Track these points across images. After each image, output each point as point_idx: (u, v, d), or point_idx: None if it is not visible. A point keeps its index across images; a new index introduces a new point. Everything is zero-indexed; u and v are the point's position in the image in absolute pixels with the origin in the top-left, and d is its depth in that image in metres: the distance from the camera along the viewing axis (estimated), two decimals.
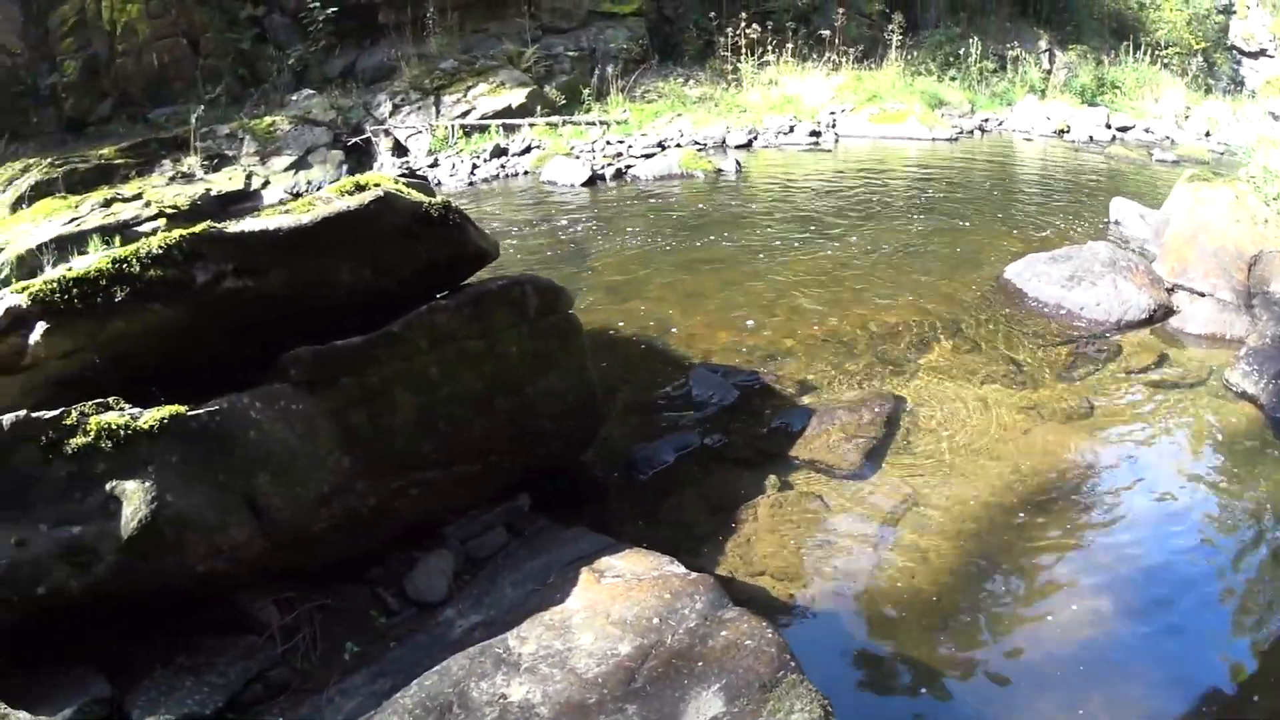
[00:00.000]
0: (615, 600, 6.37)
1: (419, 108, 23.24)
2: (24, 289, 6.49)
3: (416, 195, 7.57)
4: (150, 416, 6.20)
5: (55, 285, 6.45)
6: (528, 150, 21.94)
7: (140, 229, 17.86)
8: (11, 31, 24.52)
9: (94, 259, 6.70)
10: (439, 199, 7.68)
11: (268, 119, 22.84)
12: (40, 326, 6.40)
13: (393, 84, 24.06)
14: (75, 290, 6.43)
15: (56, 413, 6.11)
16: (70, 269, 6.63)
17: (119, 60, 24.29)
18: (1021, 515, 8.00)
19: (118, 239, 16.73)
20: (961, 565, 7.46)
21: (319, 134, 22.43)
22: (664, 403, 9.94)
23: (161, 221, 18.36)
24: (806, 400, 9.87)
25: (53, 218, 18.65)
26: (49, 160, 21.23)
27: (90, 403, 6.23)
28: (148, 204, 19.18)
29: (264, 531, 6.38)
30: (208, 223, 6.80)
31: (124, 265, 6.49)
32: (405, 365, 7.10)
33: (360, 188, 7.38)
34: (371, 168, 21.81)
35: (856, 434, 9.08)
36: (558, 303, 8.01)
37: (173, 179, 20.92)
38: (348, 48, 25.51)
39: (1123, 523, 8.02)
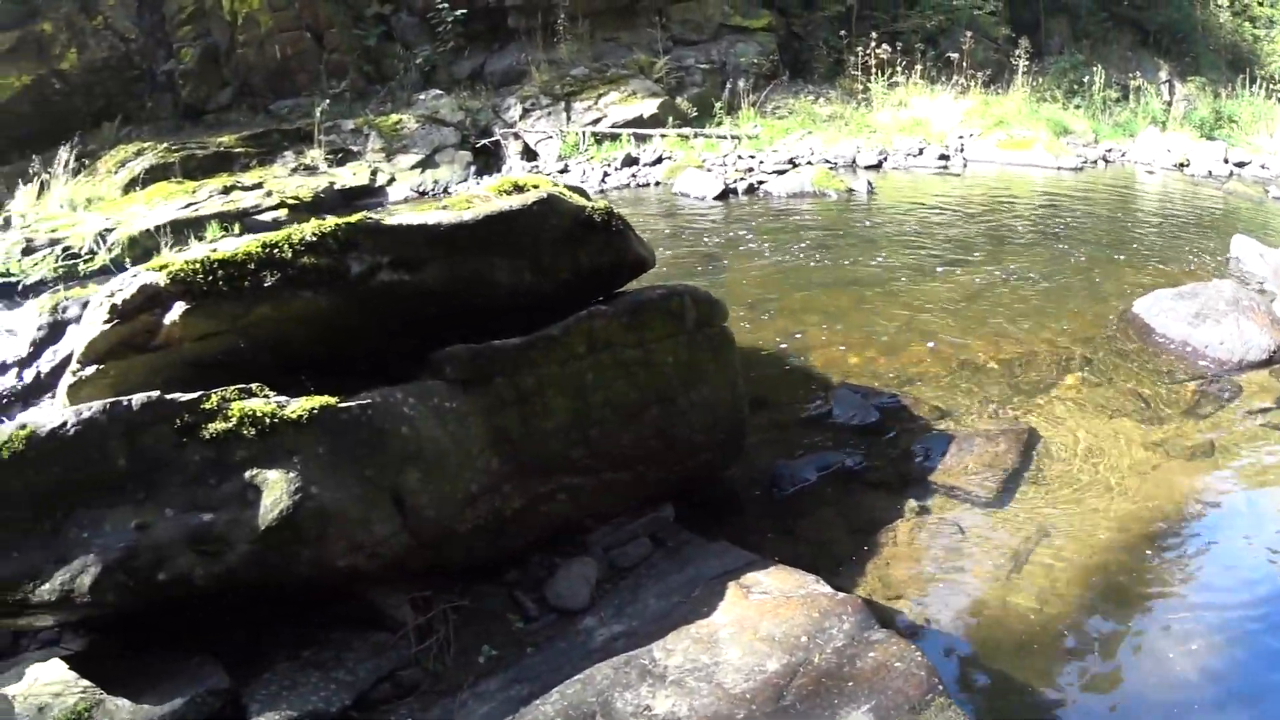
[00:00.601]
0: (763, 617, 6.18)
1: (549, 113, 23.13)
2: (162, 267, 6.37)
3: (578, 199, 7.43)
4: (299, 406, 6.02)
5: (198, 265, 6.32)
6: (659, 161, 21.75)
7: (261, 217, 17.97)
8: (126, 17, 24.69)
9: (242, 242, 6.59)
10: (601, 204, 7.51)
11: (394, 116, 22.85)
12: (179, 307, 6.28)
13: (522, 88, 23.98)
14: (220, 272, 6.31)
15: (194, 396, 5.97)
16: (215, 250, 6.50)
17: (240, 50, 24.45)
18: (1148, 553, 7.78)
19: (237, 226, 16.81)
20: (1090, 599, 7.26)
21: (447, 134, 22.40)
22: (805, 421, 9.74)
23: (283, 212, 18.46)
24: (942, 426, 9.67)
25: (168, 201, 18.80)
26: (165, 145, 21.46)
27: (232, 388, 6.08)
28: (269, 193, 19.28)
29: (408, 529, 6.19)
30: (363, 214, 6.69)
31: (275, 250, 6.36)
32: (561, 369, 6.93)
33: (520, 188, 7.24)
34: (500, 170, 21.79)
35: (993, 463, 8.86)
36: (714, 315, 7.81)
37: (295, 170, 21.01)
38: (476, 50, 25.49)
39: (1247, 568, 7.77)
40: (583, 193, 7.94)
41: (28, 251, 17.24)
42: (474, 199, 7.15)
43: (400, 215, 6.88)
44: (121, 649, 6.36)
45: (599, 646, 6.27)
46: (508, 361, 6.75)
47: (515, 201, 7.01)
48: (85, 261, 16.52)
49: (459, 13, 24.16)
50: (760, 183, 19.74)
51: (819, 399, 10.11)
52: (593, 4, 24.91)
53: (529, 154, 22.30)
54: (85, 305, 11.35)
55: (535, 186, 7.28)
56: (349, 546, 5.95)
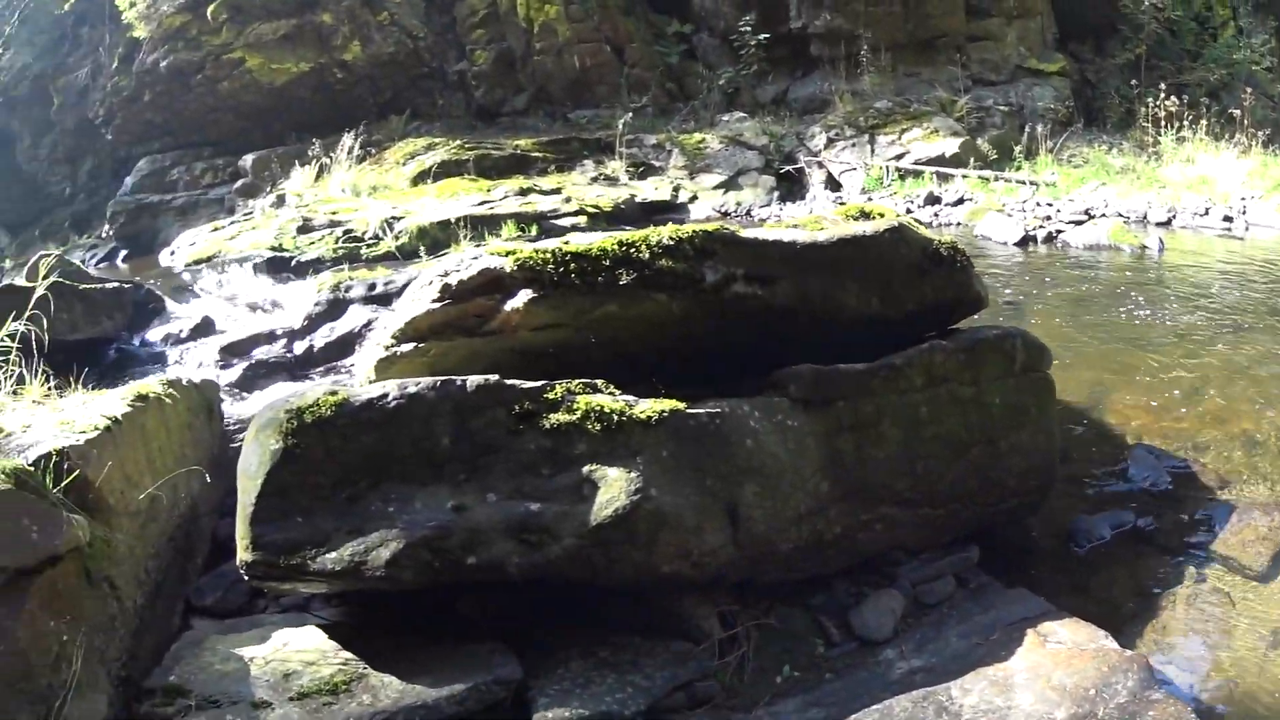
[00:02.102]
0: (1056, 666, 5.99)
1: (853, 144, 22.89)
2: (508, 253, 6.33)
3: (926, 231, 7.23)
4: (648, 406, 5.92)
5: (549, 256, 6.26)
6: (960, 201, 21.36)
7: (559, 222, 18.10)
8: (413, 15, 25.11)
9: (595, 238, 6.54)
10: (947, 238, 7.32)
11: (697, 135, 22.89)
12: (524, 294, 6.24)
13: (826, 117, 23.80)
14: (573, 265, 6.25)
15: (537, 384, 5.92)
16: (567, 242, 6.43)
17: (536, 57, 24.84)
18: None
19: (534, 228, 16.88)
20: None
21: (750, 157, 22.34)
22: (1101, 478, 9.44)
23: (582, 219, 18.58)
24: (1224, 495, 9.23)
25: (460, 197, 19.12)
26: (458, 142, 21.97)
27: (576, 381, 6.01)
28: (567, 199, 19.45)
29: (736, 542, 6.02)
30: (720, 223, 6.61)
31: (632, 249, 6.28)
32: (898, 399, 6.74)
33: (868, 215, 7.07)
34: (803, 197, 21.67)
35: (1267, 535, 8.48)
36: (1040, 360, 7.57)
37: (594, 180, 21.19)
38: (780, 75, 25.45)
39: None
40: (921, 226, 7.76)
41: (304, 230, 17.77)
42: (824, 221, 7.00)
43: (756, 230, 6.78)
44: (391, 625, 6.34)
45: (898, 679, 6.14)
46: (850, 386, 6.60)
47: (868, 227, 6.86)
48: (368, 245, 16.76)
49: (762, 37, 24.08)
50: (1058, 232, 19.32)
51: (1115, 457, 9.82)
52: (895, 37, 24.66)
53: (832, 184, 22.11)
54: (371, 286, 11.55)
55: (882, 214, 7.14)
56: (677, 553, 5.83)
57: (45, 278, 7.62)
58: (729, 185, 21.38)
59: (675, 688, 5.95)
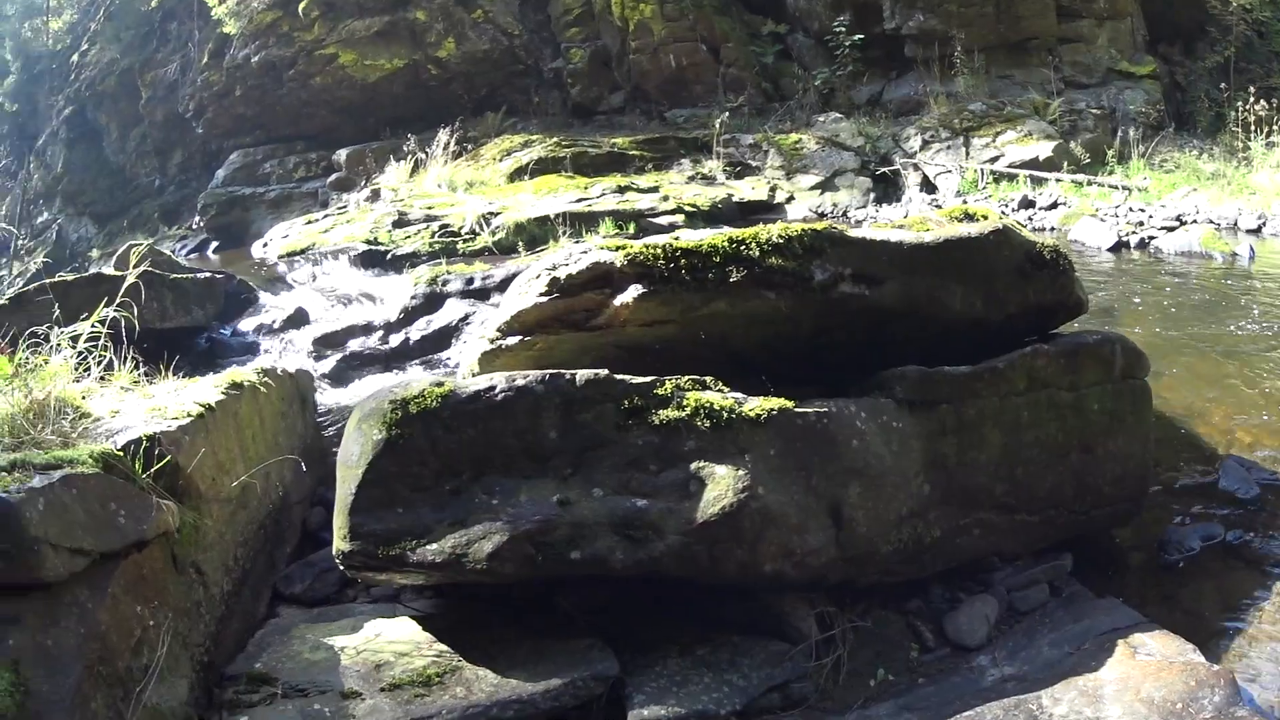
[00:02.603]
0: (1145, 678, 5.90)
1: (948, 146, 22.68)
2: (618, 247, 6.28)
3: (1029, 234, 7.13)
4: (757, 405, 5.84)
5: (660, 252, 6.20)
6: (1054, 206, 21.03)
7: (656, 220, 18.00)
8: (508, 13, 25.15)
9: (704, 234, 6.46)
10: (1050, 241, 7.24)
11: (793, 136, 22.76)
12: (634, 290, 6.17)
13: (921, 119, 23.60)
14: (683, 261, 6.17)
15: (647, 380, 5.86)
16: (677, 238, 6.37)
17: (632, 56, 24.74)
18: None
19: (632, 225, 16.80)
20: None
21: (846, 158, 22.19)
22: (1192, 489, 9.27)
23: (679, 218, 18.46)
24: None
25: (557, 194, 19.09)
26: (555, 139, 21.96)
27: (685, 378, 5.94)
28: (665, 198, 19.36)
29: (838, 543, 5.95)
30: (828, 223, 6.53)
31: (742, 246, 6.19)
32: (999, 403, 6.65)
33: (971, 216, 6.98)
34: (899, 200, 21.51)
35: None
36: (1138, 367, 7.44)
37: (691, 179, 21.12)
38: (874, 76, 25.29)
39: None
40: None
41: (399, 224, 17.81)
42: (929, 221, 6.93)
43: (863, 229, 6.72)
44: (485, 619, 6.30)
45: (990, 686, 6.07)
46: (955, 388, 6.53)
47: (973, 229, 6.79)
48: (465, 241, 16.75)
49: (856, 38, 23.93)
50: (1150, 238, 19.02)
51: (1206, 468, 9.65)
52: (987, 38, 24.43)
53: (927, 186, 21.92)
54: (469, 280, 11.59)
55: (985, 216, 7.06)
56: (780, 552, 5.76)
57: (136, 266, 7.54)
58: (825, 186, 21.23)
59: (771, 688, 5.89)
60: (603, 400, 5.83)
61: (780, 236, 6.29)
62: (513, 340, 6.72)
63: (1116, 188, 21.50)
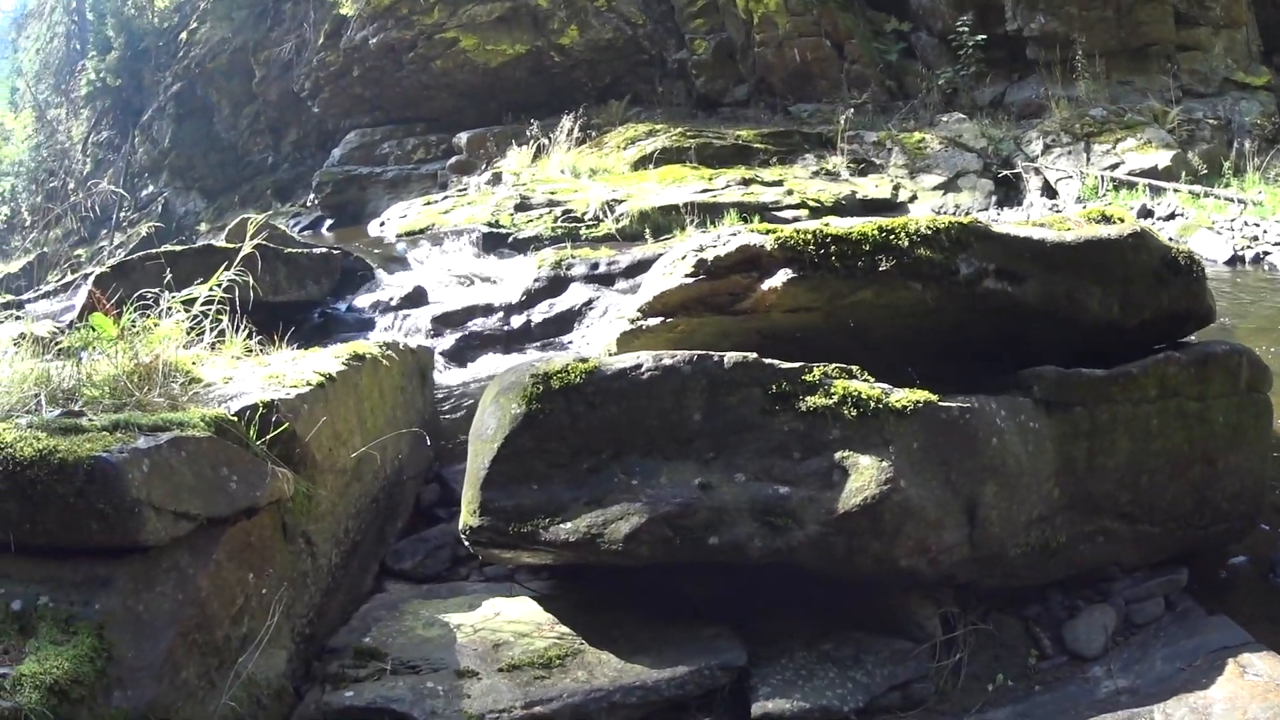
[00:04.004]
0: (1253, 699, 5.71)
1: (1069, 151, 22.27)
2: (768, 230, 6.16)
3: (1163, 239, 7.00)
4: (903, 396, 5.72)
5: (810, 237, 6.05)
6: (1172, 216, 20.38)
7: (780, 214, 17.74)
8: (633, 3, 25.03)
9: (855, 223, 6.33)
10: (1184, 247, 7.13)
11: (917, 134, 22.49)
12: (784, 274, 6.02)
13: (1042, 122, 23.19)
14: (833, 248, 6.02)
15: (795, 365, 5.74)
16: (827, 224, 6.23)
17: (757, 49, 24.46)
18: None
19: (756, 218, 16.57)
20: None
21: (969, 160, 21.88)
22: None
23: (804, 213, 18.20)
24: None
25: (681, 184, 18.91)
26: (680, 130, 21.80)
27: (832, 365, 5.81)
28: (789, 192, 19.14)
29: (971, 542, 5.81)
30: (972, 217, 6.34)
31: (891, 236, 6.07)
32: (1131, 409, 6.44)
33: (1108, 218, 6.84)
34: (1020, 203, 21.17)
35: None
36: (1262, 381, 7.24)
37: (815, 174, 20.86)
38: (997, 78, 24.92)
39: None
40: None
41: (521, 208, 17.72)
42: (1068, 221, 6.81)
43: (1005, 225, 6.58)
44: (607, 601, 6.16)
45: (1103, 698, 5.93)
46: (1091, 392, 6.33)
47: (1111, 231, 6.62)
48: (588, 227, 16.62)
49: (979, 38, 23.62)
50: (1265, 253, 18.48)
51: None
52: (1107, 43, 24.03)
53: (1048, 191, 21.57)
54: (594, 265, 11.62)
55: (1122, 219, 6.90)
56: (916, 548, 5.63)
57: (252, 238, 7.39)
58: (948, 187, 20.86)
59: (892, 687, 5.78)
60: (750, 384, 5.72)
61: (928, 228, 6.17)
62: (654, 321, 6.63)
63: (1232, 200, 21.15)
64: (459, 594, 6.42)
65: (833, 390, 5.66)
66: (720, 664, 5.59)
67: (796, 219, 17.09)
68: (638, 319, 6.70)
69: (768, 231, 6.17)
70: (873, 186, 20.22)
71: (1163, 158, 21.23)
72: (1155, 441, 6.58)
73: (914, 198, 20.10)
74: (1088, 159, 21.53)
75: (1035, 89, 23.82)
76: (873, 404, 5.63)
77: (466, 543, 6.03)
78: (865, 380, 5.81)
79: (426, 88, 26.55)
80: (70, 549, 4.69)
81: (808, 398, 5.65)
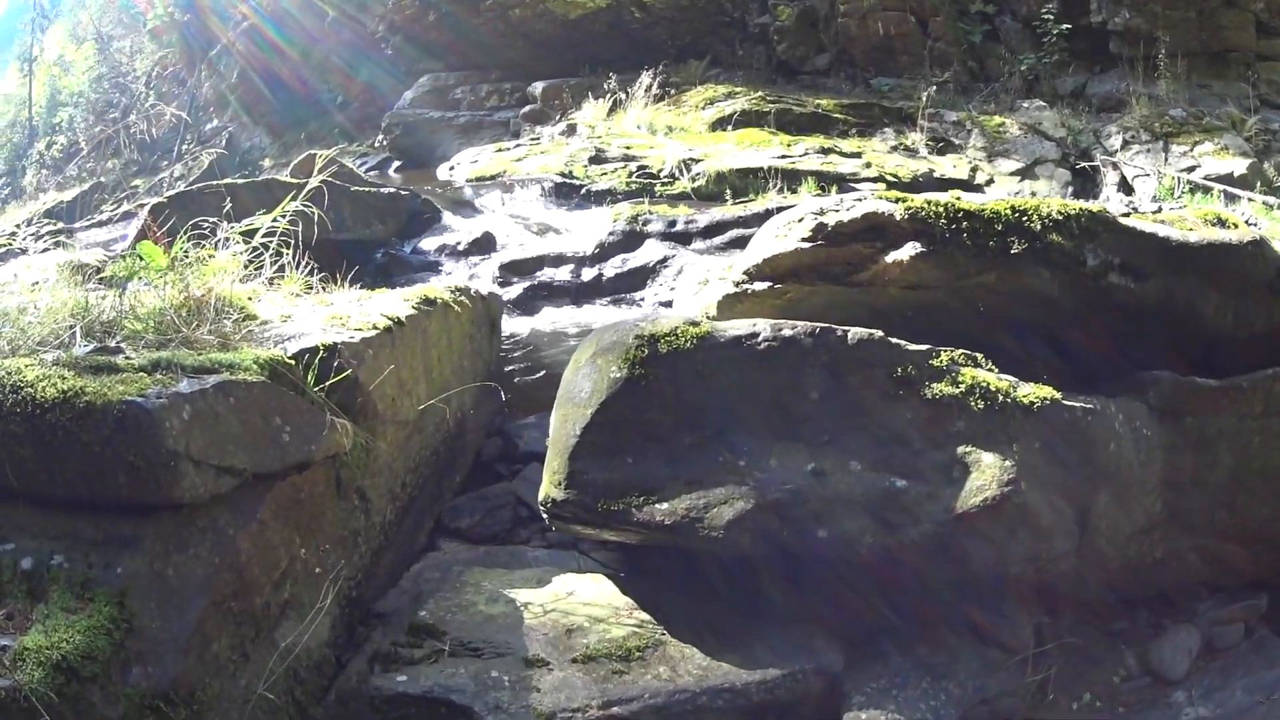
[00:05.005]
0: None
1: (1147, 149, 21.99)
2: (898, 199, 5.89)
3: None
4: (1030, 391, 5.40)
5: (942, 210, 5.80)
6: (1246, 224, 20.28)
7: (857, 185, 17.39)
8: None
9: (987, 199, 6.36)
10: None
11: (997, 118, 22.20)
12: (911, 247, 5.75)
13: (1122, 117, 22.91)
14: (965, 224, 5.75)
15: (923, 348, 5.42)
16: (960, 198, 6.03)
17: (840, 20, 24.08)
18: None
19: (834, 188, 16.27)
20: None
21: (1048, 148, 21.59)
22: None
23: (880, 186, 17.83)
24: None
25: (760, 148, 18.65)
26: (759, 94, 21.50)
27: (958, 351, 5.48)
28: (867, 164, 18.82)
29: (1079, 551, 5.49)
30: (1102, 205, 5.98)
31: (1024, 218, 5.80)
32: (1236, 424, 6.11)
33: (1224, 222, 6.59)
34: (1095, 197, 20.85)
35: None
36: None
37: (894, 149, 20.56)
38: (1079, 68, 24.58)
39: None
40: None
41: (596, 161, 17.48)
42: (1187, 220, 6.53)
43: (1130, 219, 6.30)
44: (684, 584, 5.73)
45: None
46: (1202, 402, 6.01)
47: (1231, 236, 6.31)
48: (663, 184, 16.31)
49: (1063, 27, 23.31)
50: None
51: None
52: (1189, 44, 23.74)
53: (1125, 188, 21.30)
54: (671, 223, 11.64)
55: (1237, 224, 6.63)
56: (1028, 555, 5.32)
57: (319, 173, 6.93)
58: (1025, 174, 20.55)
59: (982, 700, 5.43)
60: (874, 365, 5.41)
61: (1059, 212, 5.88)
62: (760, 286, 6.26)
63: None
64: (520, 560, 6.11)
65: (960, 378, 5.36)
66: (816, 668, 5.23)
67: (872, 192, 16.87)
68: (743, 282, 6.32)
69: (897, 200, 5.89)
70: (950, 166, 19.94)
71: (1239, 165, 20.93)
72: (1256, 459, 6.23)
73: (990, 181, 19.84)
74: (1165, 158, 21.25)
75: (1116, 83, 23.52)
76: (1000, 397, 5.32)
77: (545, 516, 5.69)
78: (991, 370, 5.51)
79: (503, 36, 26.11)
80: (92, 503, 4.31)
81: (934, 384, 5.34)
